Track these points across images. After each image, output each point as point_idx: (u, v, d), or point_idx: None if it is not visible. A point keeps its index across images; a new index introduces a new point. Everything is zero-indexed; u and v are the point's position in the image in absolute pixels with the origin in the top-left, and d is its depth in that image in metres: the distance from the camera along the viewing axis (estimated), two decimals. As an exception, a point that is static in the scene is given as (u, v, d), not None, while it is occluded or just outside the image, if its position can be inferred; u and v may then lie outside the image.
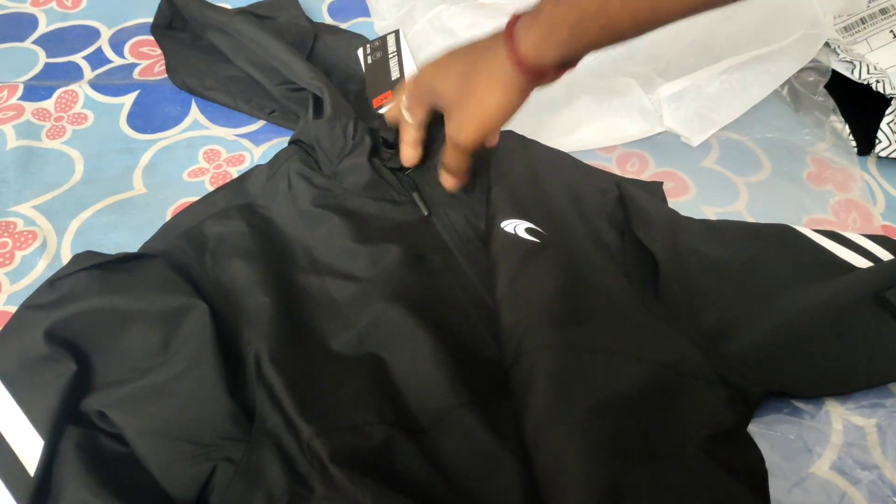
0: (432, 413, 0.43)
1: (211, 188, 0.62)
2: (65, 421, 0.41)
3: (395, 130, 0.59)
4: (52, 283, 0.47)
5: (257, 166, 0.59)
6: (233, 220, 0.54)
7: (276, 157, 0.60)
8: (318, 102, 0.63)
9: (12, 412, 0.41)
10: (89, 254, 0.49)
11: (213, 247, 0.52)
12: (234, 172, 0.64)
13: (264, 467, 0.40)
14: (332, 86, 0.63)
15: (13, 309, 0.52)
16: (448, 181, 0.56)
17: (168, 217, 0.59)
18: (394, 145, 0.60)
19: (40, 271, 0.55)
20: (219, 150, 0.66)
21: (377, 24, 0.81)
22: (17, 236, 0.57)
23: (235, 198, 0.57)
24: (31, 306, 0.46)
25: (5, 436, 0.40)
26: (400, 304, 0.48)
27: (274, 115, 0.68)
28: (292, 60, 0.64)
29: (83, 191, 0.61)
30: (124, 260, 0.49)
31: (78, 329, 0.45)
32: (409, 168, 0.59)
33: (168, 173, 0.64)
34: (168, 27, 0.75)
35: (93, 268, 0.47)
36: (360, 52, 0.73)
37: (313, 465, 0.40)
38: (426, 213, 0.57)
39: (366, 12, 0.84)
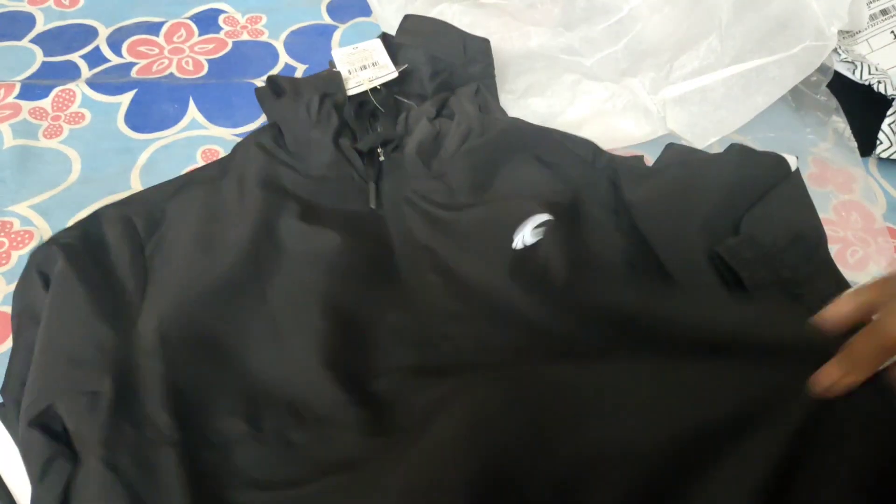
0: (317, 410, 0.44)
1: (209, 188, 0.62)
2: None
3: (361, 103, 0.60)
4: None
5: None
6: (191, 197, 0.55)
7: (253, 132, 0.61)
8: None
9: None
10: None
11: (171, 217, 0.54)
12: (233, 172, 0.63)
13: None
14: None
15: (9, 309, 0.52)
16: (840, 376, 0.36)
17: (166, 217, 0.59)
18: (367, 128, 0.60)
19: (37, 271, 0.55)
20: (217, 149, 0.65)
21: (381, 24, 0.81)
22: (13, 236, 0.57)
23: (209, 169, 0.59)
24: None
25: None
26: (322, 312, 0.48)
27: None
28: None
29: (80, 190, 0.61)
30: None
31: None
32: (381, 157, 0.59)
33: (166, 173, 0.63)
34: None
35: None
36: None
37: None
38: (373, 206, 0.55)
39: (366, 12, 0.84)
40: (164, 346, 0.45)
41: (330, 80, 0.63)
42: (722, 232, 0.52)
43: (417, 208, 0.56)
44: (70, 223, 0.58)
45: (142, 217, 0.53)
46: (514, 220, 0.53)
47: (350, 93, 0.62)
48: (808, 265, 0.50)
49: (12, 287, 0.53)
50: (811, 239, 0.52)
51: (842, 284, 0.51)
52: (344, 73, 0.63)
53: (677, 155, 0.59)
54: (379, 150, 0.59)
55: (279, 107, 0.59)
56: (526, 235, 0.52)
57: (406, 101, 0.64)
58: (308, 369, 0.45)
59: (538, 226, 0.52)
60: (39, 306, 0.47)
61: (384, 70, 0.65)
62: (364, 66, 0.65)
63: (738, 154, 0.56)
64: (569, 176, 0.58)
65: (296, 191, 0.55)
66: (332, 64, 0.68)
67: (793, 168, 0.55)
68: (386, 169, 0.58)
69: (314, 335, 0.46)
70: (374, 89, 0.63)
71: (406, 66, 0.65)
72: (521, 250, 0.51)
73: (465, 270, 0.51)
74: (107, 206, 0.54)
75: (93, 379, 0.42)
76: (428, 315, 0.49)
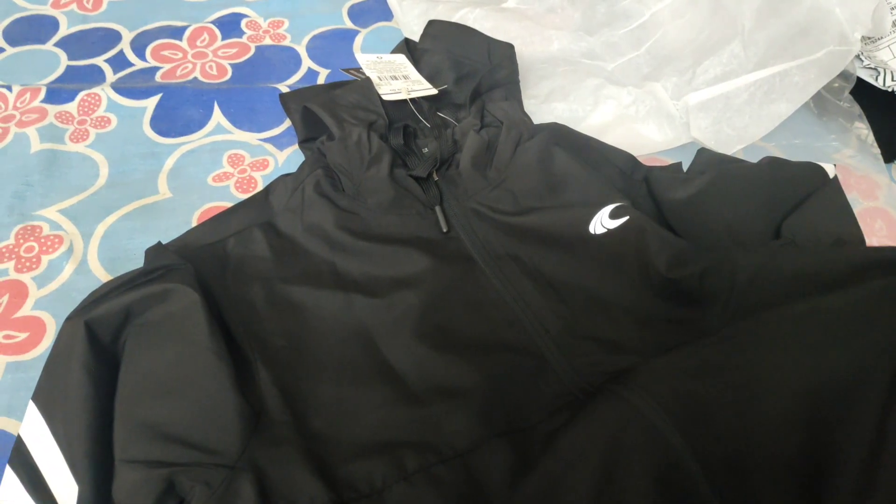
0: (464, 443, 0.42)
1: (236, 193, 0.62)
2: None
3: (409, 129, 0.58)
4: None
5: (282, 177, 0.58)
6: (255, 242, 0.53)
7: (301, 168, 0.59)
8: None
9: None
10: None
11: (235, 266, 0.52)
12: (259, 177, 0.64)
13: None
14: (336, 102, 0.61)
15: (41, 314, 0.53)
16: None
17: (194, 222, 0.59)
18: (413, 150, 0.59)
19: (67, 276, 0.55)
20: (243, 154, 0.66)
21: (403, 29, 0.81)
22: (43, 240, 0.57)
23: (258, 215, 0.55)
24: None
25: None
26: (427, 342, 0.47)
27: None
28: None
29: (108, 195, 0.61)
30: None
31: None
32: (435, 177, 0.58)
33: (193, 177, 0.63)
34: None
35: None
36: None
37: None
38: (445, 230, 0.55)
39: (387, 16, 0.84)
40: (292, 413, 0.43)
41: (364, 92, 0.62)
42: (762, 238, 0.52)
43: (488, 220, 0.55)
44: (99, 228, 0.58)
45: (214, 271, 0.51)
46: (587, 215, 0.53)
47: (385, 97, 0.61)
48: None
49: (43, 292, 0.54)
50: (852, 243, 0.52)
51: None
52: (374, 79, 0.63)
53: (712, 162, 0.59)
54: (433, 172, 0.58)
55: (331, 153, 0.58)
56: (604, 219, 0.52)
57: (448, 118, 0.63)
58: (432, 401, 0.44)
59: (615, 210, 0.52)
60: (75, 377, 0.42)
61: (420, 85, 0.64)
62: (395, 77, 0.64)
63: (774, 162, 0.56)
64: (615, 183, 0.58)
65: (367, 235, 0.54)
66: (352, 72, 0.68)
67: (830, 176, 0.55)
68: (443, 188, 0.57)
69: (435, 368, 0.46)
70: (415, 103, 0.63)
71: (445, 86, 0.65)
72: (607, 240, 0.52)
73: (553, 270, 0.51)
74: (163, 253, 0.51)
75: (229, 453, 0.41)
76: (540, 323, 0.49)
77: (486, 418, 0.43)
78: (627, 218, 0.52)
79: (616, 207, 0.53)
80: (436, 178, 0.58)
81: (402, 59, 0.68)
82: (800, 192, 0.54)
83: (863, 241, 0.53)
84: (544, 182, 0.57)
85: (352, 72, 0.69)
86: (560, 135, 0.60)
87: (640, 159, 0.68)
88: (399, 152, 0.59)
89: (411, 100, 0.63)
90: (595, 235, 0.52)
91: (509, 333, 0.49)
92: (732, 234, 0.53)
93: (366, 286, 0.51)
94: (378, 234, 0.54)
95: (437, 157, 0.59)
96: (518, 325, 0.49)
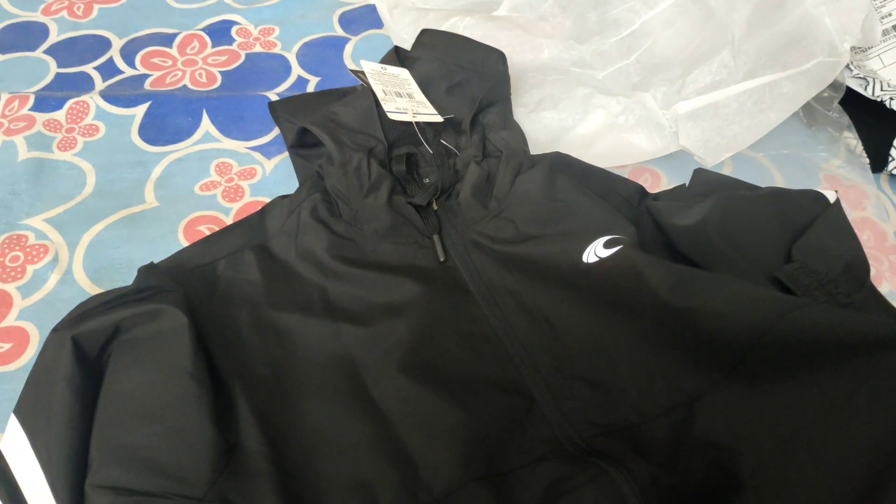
0: (443, 487, 0.42)
1: (223, 202, 0.62)
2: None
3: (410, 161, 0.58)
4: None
5: (279, 199, 0.58)
6: (246, 265, 0.52)
7: (298, 191, 0.58)
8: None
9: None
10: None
11: (224, 289, 0.51)
12: (246, 186, 0.63)
13: None
14: (339, 123, 0.61)
15: (25, 324, 0.52)
16: None
17: (180, 232, 0.59)
18: (413, 178, 0.59)
19: (52, 286, 0.55)
20: (230, 163, 0.66)
21: (393, 37, 0.81)
22: (28, 250, 0.57)
23: (253, 236, 0.55)
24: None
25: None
26: (414, 376, 0.46)
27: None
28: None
29: (95, 204, 0.61)
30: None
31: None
32: (434, 206, 0.57)
33: (180, 186, 0.63)
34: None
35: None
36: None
37: None
38: (442, 259, 0.54)
39: (378, 24, 0.84)
40: (269, 445, 0.42)
41: (364, 111, 0.61)
42: (770, 267, 0.51)
43: (486, 250, 0.54)
44: (84, 237, 0.58)
45: (202, 294, 0.50)
46: (583, 244, 0.52)
47: (389, 115, 0.60)
48: (860, 292, 0.49)
49: (27, 302, 0.54)
50: (861, 267, 0.51)
51: (890, 311, 0.51)
52: (379, 93, 0.62)
53: (711, 184, 0.58)
54: (433, 201, 0.58)
55: (329, 177, 0.57)
56: (598, 248, 0.51)
57: (450, 146, 0.62)
58: (413, 439, 0.44)
59: (610, 241, 0.51)
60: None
61: (425, 108, 0.63)
62: (399, 94, 0.64)
63: (777, 191, 0.56)
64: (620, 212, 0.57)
65: (361, 262, 0.53)
66: (360, 75, 0.67)
67: (831, 200, 0.55)
68: (443, 218, 0.57)
69: (419, 405, 0.45)
70: (418, 126, 0.62)
71: (452, 116, 0.64)
72: (598, 269, 0.50)
73: (550, 303, 0.50)
74: (154, 273, 0.50)
75: (198, 483, 0.40)
76: (531, 361, 0.48)
77: (467, 459, 0.43)
78: (620, 247, 0.50)
79: (612, 238, 0.51)
80: (435, 208, 0.57)
81: (405, 74, 0.67)
82: (805, 217, 0.53)
83: (867, 265, 0.52)
84: (546, 208, 0.56)
85: (359, 74, 0.68)
86: (563, 164, 0.60)
87: (629, 168, 0.68)
88: (400, 179, 0.59)
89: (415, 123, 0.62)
90: (587, 265, 0.51)
91: (499, 370, 0.48)
92: (747, 258, 0.51)
93: (355, 315, 0.50)
94: (372, 261, 0.53)
95: (437, 186, 0.58)
96: (509, 362, 0.48)
